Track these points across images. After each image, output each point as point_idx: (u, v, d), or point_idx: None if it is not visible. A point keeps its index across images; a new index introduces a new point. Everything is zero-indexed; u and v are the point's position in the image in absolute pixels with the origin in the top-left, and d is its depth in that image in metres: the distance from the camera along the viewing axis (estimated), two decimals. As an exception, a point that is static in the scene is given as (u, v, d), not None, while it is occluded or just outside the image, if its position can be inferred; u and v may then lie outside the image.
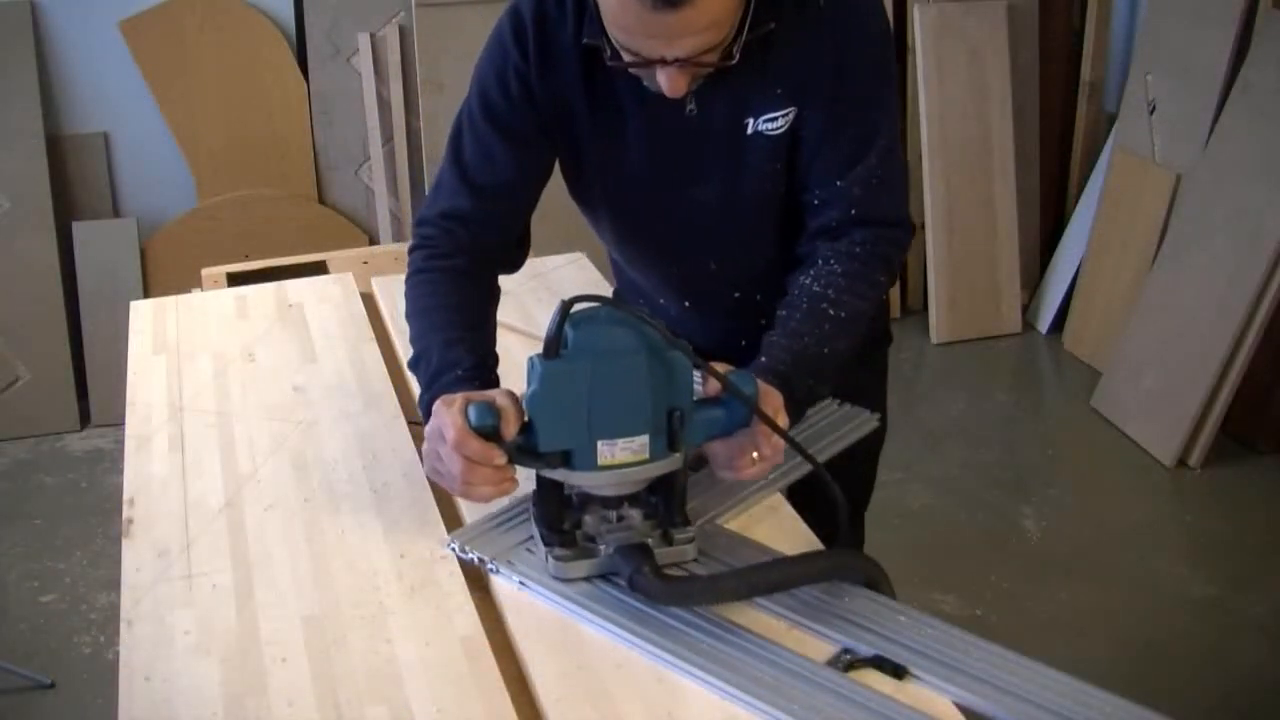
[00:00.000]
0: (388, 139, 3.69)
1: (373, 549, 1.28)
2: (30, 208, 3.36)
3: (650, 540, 1.20)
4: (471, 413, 1.17)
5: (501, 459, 1.17)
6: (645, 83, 1.30)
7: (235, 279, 2.06)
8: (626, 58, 1.24)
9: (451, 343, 1.32)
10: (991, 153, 3.83)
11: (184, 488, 1.40)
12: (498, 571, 1.23)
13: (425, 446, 1.23)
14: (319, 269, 2.11)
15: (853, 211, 1.38)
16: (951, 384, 3.74)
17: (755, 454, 1.21)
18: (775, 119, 1.37)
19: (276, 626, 1.17)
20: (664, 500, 1.23)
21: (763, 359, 1.31)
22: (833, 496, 1.21)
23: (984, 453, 3.38)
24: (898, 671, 1.09)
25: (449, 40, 3.55)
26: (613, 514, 1.23)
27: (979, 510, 3.12)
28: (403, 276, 1.97)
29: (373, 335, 1.77)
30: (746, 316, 1.52)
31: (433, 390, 1.28)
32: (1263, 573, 2.84)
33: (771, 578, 1.16)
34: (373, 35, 3.59)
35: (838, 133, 1.37)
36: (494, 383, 1.30)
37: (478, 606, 1.19)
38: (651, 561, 1.15)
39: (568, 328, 1.14)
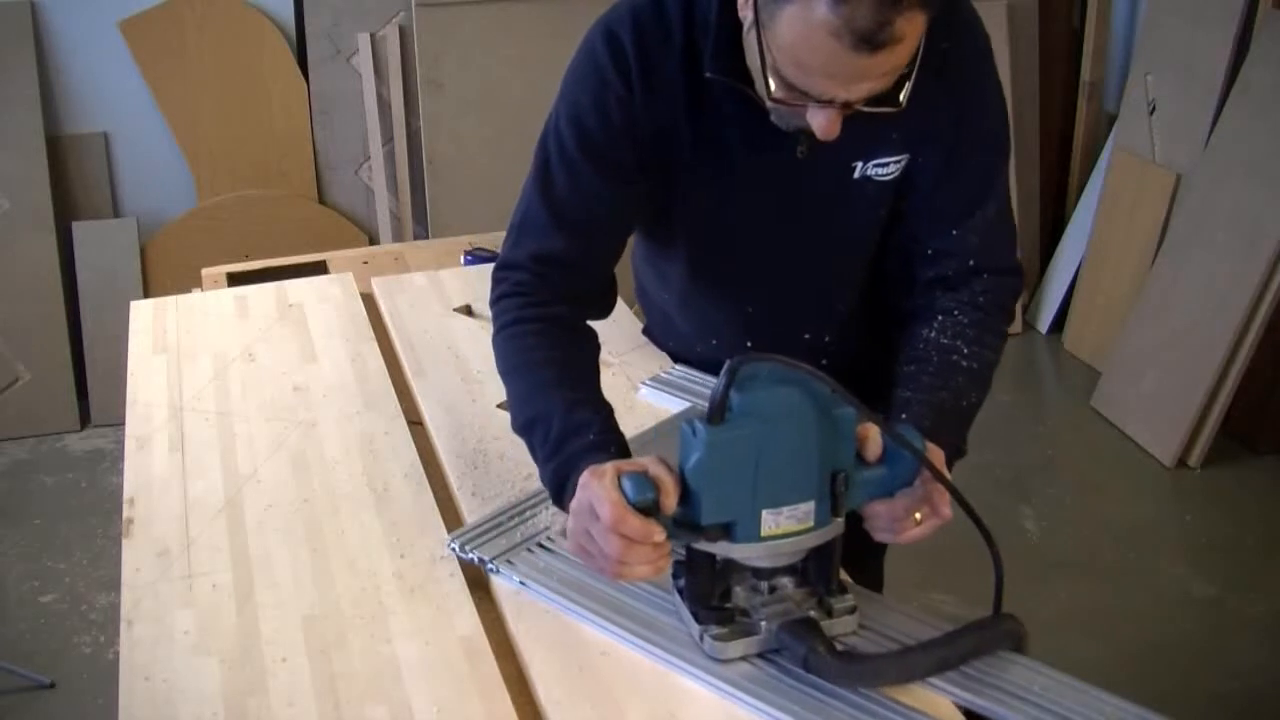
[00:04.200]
0: (388, 139, 3.69)
1: (373, 549, 1.28)
2: (30, 208, 3.36)
3: (812, 613, 1.12)
4: (628, 487, 1.06)
5: (661, 535, 1.06)
6: (774, 118, 1.22)
7: (235, 279, 2.06)
8: (781, 93, 1.14)
9: (574, 404, 1.22)
10: (991, 153, 3.83)
11: (184, 488, 1.40)
12: (498, 571, 1.23)
13: (572, 524, 1.12)
14: (319, 269, 2.11)
15: (971, 262, 1.34)
16: (951, 384, 3.73)
17: (917, 515, 1.13)
18: (887, 164, 1.32)
19: (276, 626, 1.17)
20: (818, 567, 1.13)
21: (902, 417, 1.25)
22: (996, 556, 1.15)
23: (984, 453, 3.36)
24: (898, 672, 1.09)
25: (449, 40, 3.55)
26: (764, 584, 1.13)
27: (979, 510, 3.11)
28: (403, 277, 1.98)
29: (373, 335, 1.77)
30: (811, 357, 1.46)
31: (561, 458, 1.18)
32: (1262, 573, 2.84)
33: (958, 651, 1.09)
34: (373, 35, 3.59)
35: (955, 181, 1.33)
36: (626, 446, 1.21)
37: (478, 606, 1.19)
38: (824, 639, 1.07)
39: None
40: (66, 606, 2.76)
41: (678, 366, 1.63)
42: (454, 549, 1.26)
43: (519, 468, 1.42)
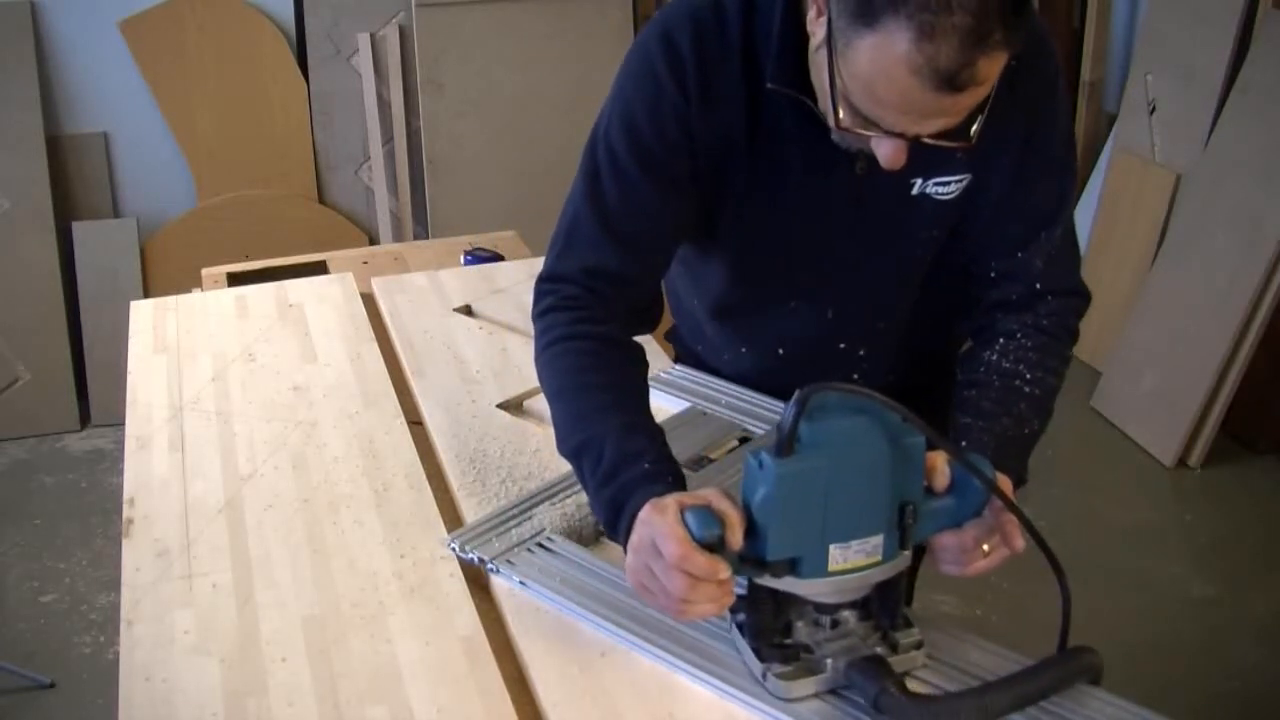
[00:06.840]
0: (388, 139, 3.69)
1: (373, 549, 1.28)
2: (30, 208, 3.36)
3: (879, 649, 1.08)
4: (692, 522, 1.01)
5: (726, 573, 1.01)
6: (835, 138, 1.17)
7: (235, 279, 2.06)
8: (849, 121, 1.09)
9: (630, 428, 1.16)
10: (991, 153, 3.83)
11: (184, 488, 1.40)
12: (498, 571, 1.23)
13: (632, 560, 1.06)
14: (319, 269, 2.11)
15: (1037, 285, 1.31)
16: (951, 384, 3.73)
17: (985, 546, 1.09)
18: (948, 183, 1.27)
19: (276, 626, 1.17)
20: (882, 600, 1.09)
21: (962, 444, 1.21)
22: (1064, 587, 1.11)
23: (984, 453, 3.37)
24: (899, 672, 1.08)
25: (449, 40, 3.55)
26: (826, 619, 1.09)
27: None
28: (403, 277, 1.98)
29: (373, 335, 1.77)
30: (841, 368, 1.44)
31: (614, 486, 1.13)
32: (1262, 573, 2.85)
33: (1038, 687, 1.05)
34: (373, 35, 3.59)
35: (1024, 202, 1.29)
36: (682, 475, 1.15)
37: (478, 606, 1.19)
38: (896, 678, 1.02)
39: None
40: (66, 606, 2.76)
41: (677, 366, 1.63)
42: (454, 549, 1.26)
43: (519, 468, 1.42)
